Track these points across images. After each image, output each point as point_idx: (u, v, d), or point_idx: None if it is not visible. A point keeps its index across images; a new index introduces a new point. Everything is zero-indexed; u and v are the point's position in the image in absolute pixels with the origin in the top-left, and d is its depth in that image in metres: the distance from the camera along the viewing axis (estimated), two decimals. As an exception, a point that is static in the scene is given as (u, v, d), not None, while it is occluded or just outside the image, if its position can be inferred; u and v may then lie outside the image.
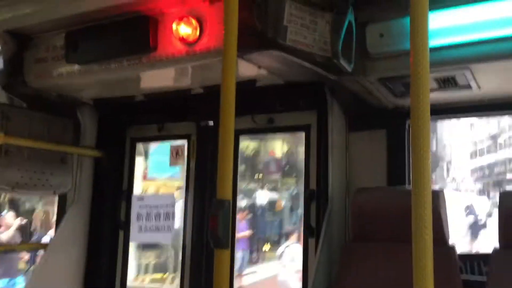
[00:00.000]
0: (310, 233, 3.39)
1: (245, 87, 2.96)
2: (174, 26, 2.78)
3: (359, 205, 3.01)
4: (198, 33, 2.74)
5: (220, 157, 2.16)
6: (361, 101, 3.31)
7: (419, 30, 1.79)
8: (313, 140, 3.52)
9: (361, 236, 3.00)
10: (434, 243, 1.65)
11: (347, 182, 3.45)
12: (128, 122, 4.18)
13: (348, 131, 3.50)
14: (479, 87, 2.88)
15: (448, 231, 2.79)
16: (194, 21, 2.74)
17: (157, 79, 3.33)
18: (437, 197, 2.69)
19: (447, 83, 2.80)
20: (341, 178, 3.41)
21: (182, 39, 2.77)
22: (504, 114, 3.36)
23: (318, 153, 3.44)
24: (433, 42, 2.37)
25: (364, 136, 3.46)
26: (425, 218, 1.66)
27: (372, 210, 2.98)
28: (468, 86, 2.85)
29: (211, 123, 3.81)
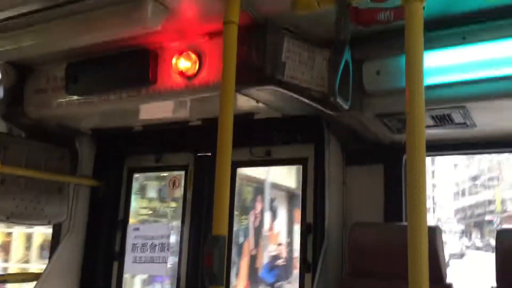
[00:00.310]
0: (307, 268, 3.36)
1: (243, 120, 2.99)
2: (174, 60, 2.82)
3: (356, 240, 3.00)
4: (197, 67, 2.78)
5: (217, 190, 2.17)
6: (358, 136, 3.33)
7: (414, 68, 1.84)
8: (310, 174, 3.52)
9: (357, 272, 2.98)
10: (431, 281, 1.64)
11: (344, 217, 3.44)
12: (126, 152, 4.19)
13: (346, 165, 3.51)
14: (475, 125, 2.91)
15: (445, 269, 2.77)
16: (193, 56, 2.78)
17: (156, 111, 3.36)
18: (433, 234, 2.69)
19: (443, 120, 2.83)
20: (338, 212, 3.40)
21: (182, 73, 2.80)
22: (500, 151, 3.38)
23: (315, 187, 3.44)
24: (429, 80, 2.41)
25: (361, 171, 3.47)
26: (421, 255, 1.66)
27: (368, 245, 2.96)
28: (464, 124, 2.88)
29: (208, 153, 3.83)
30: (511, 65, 2.42)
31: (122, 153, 4.19)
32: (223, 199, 2.18)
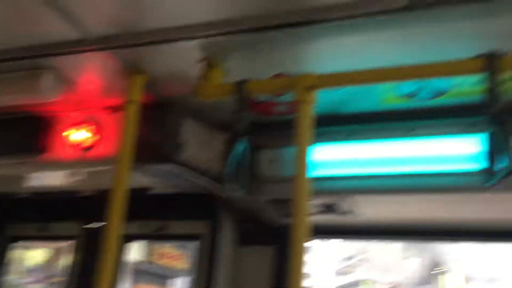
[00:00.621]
0: None
1: (137, 194, 2.94)
2: (70, 130, 2.75)
3: None
4: (94, 139, 2.73)
5: (102, 265, 2.08)
6: (253, 217, 3.39)
7: (301, 160, 1.99)
8: (203, 252, 3.50)
9: None
10: None
11: None
12: (6, 219, 3.89)
13: (239, 245, 3.53)
14: (360, 214, 3.10)
15: None
16: (91, 128, 2.74)
17: (44, 180, 3.20)
18: None
19: (330, 208, 2.98)
20: None
21: (76, 144, 2.73)
22: (382, 239, 3.61)
23: (206, 266, 3.41)
24: (318, 172, 2.57)
25: (253, 252, 3.51)
26: None
27: None
28: (350, 213, 3.06)
29: (98, 225, 3.67)
30: (394, 164, 2.64)
31: (2, 220, 3.88)
32: (108, 276, 2.09)
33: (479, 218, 2.94)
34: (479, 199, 2.59)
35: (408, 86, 2.37)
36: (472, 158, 2.36)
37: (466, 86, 2.23)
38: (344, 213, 3.04)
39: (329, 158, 2.72)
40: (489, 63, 1.82)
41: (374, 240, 3.71)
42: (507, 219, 2.87)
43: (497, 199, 2.55)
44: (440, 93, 2.35)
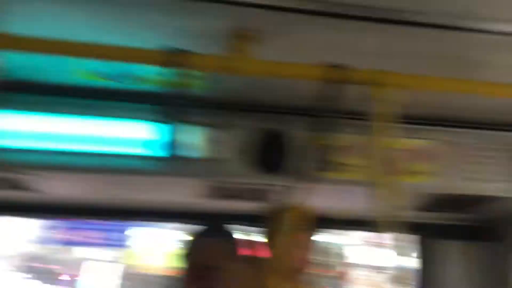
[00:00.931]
0: None
1: None
2: None
3: None
4: None
5: None
6: None
7: None
8: None
9: None
10: None
11: None
12: None
13: None
14: (44, 191, 2.94)
15: None
16: None
17: None
18: None
19: (7, 183, 2.75)
20: None
21: None
22: (67, 217, 3.55)
23: None
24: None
25: None
26: None
27: None
28: (33, 189, 2.88)
29: None
30: (75, 142, 2.54)
31: None
32: None
33: (151, 200, 3.14)
34: (151, 182, 2.76)
35: (105, 65, 2.35)
36: (149, 143, 2.49)
37: (155, 76, 2.33)
38: (23, 189, 2.85)
39: (8, 128, 2.48)
40: (174, 57, 1.94)
41: (59, 219, 3.62)
42: (179, 202, 3.15)
43: (167, 182, 2.76)
44: (133, 78, 2.41)
